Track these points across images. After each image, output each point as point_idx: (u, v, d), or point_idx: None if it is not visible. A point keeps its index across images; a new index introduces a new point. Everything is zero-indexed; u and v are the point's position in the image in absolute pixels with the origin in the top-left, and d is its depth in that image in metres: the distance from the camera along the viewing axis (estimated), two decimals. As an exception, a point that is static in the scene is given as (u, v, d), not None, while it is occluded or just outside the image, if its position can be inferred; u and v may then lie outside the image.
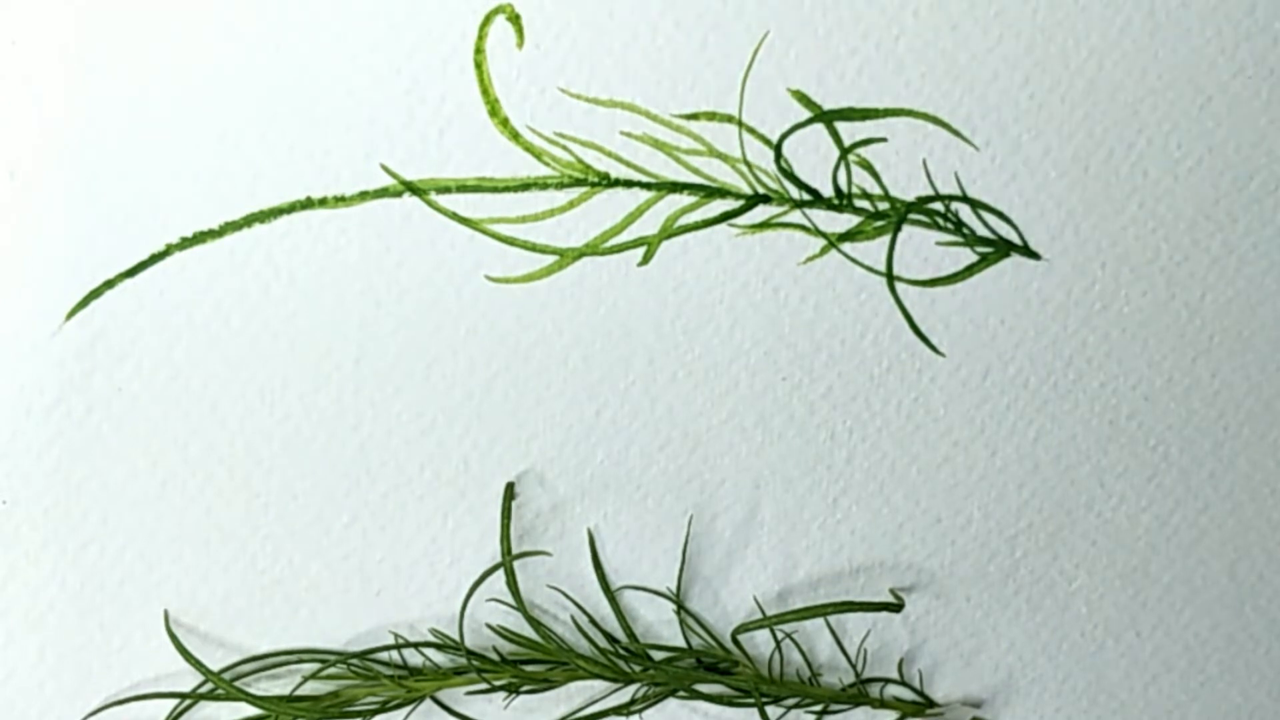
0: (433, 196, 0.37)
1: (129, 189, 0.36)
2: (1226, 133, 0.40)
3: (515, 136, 0.37)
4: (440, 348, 0.38)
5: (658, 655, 0.40)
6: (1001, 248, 0.39)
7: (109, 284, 0.36)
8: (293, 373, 0.38)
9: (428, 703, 0.40)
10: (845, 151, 0.37)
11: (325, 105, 0.37)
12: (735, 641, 0.41)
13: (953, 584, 0.42)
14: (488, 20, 0.36)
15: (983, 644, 0.42)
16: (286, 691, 0.39)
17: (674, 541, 0.40)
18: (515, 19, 0.36)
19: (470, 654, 0.39)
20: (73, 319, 0.36)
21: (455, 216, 0.37)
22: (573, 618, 0.40)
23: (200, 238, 0.36)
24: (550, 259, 0.38)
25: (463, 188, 0.37)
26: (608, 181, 0.37)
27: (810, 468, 0.40)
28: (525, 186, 0.37)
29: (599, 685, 0.40)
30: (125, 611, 0.38)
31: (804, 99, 0.37)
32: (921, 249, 0.39)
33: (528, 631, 0.39)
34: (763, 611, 0.41)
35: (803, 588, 0.41)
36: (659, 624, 0.41)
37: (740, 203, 0.38)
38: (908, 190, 0.39)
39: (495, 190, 0.37)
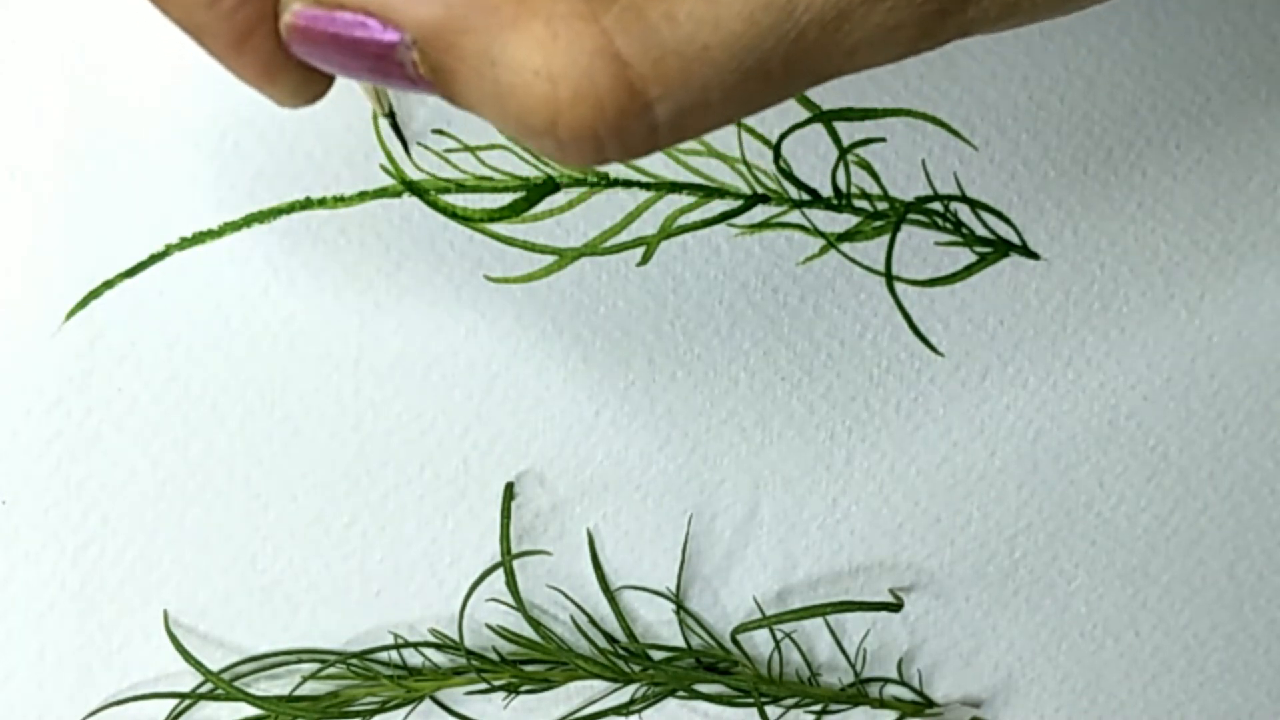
0: (433, 196, 0.37)
1: (129, 189, 0.36)
2: (1226, 133, 0.40)
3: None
4: (440, 348, 0.38)
5: (657, 655, 0.40)
6: (1000, 248, 0.39)
7: (109, 284, 0.36)
8: (293, 373, 0.38)
9: (427, 703, 0.40)
10: (844, 151, 0.37)
11: (325, 105, 0.37)
12: (735, 641, 0.41)
13: (952, 584, 0.42)
14: (487, 20, 0.36)
15: (982, 644, 0.42)
16: (286, 691, 0.39)
17: (674, 541, 0.40)
18: (515, 19, 0.36)
19: (470, 654, 0.39)
20: (73, 319, 0.36)
21: (455, 216, 0.37)
22: (572, 618, 0.40)
23: (200, 238, 0.36)
24: (550, 259, 0.38)
25: (462, 188, 0.37)
26: (607, 181, 0.37)
27: (810, 468, 0.40)
28: (525, 186, 0.37)
29: (599, 685, 0.40)
30: (125, 611, 0.38)
31: (803, 99, 0.37)
32: (921, 249, 0.39)
33: (527, 631, 0.39)
34: (762, 611, 0.41)
35: (802, 588, 0.41)
36: (659, 624, 0.41)
37: (739, 203, 0.38)
38: (907, 190, 0.39)
39: (495, 190, 0.37)
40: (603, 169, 0.37)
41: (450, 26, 0.20)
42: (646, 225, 0.38)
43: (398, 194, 0.37)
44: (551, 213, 0.37)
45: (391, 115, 0.35)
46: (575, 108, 0.20)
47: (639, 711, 0.40)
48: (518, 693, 0.39)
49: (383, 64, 0.21)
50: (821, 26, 0.20)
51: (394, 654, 0.39)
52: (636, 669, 0.40)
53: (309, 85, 0.23)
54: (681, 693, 0.40)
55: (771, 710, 0.41)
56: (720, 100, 0.20)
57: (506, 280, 0.38)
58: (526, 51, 0.19)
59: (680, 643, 0.40)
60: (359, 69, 0.21)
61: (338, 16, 0.20)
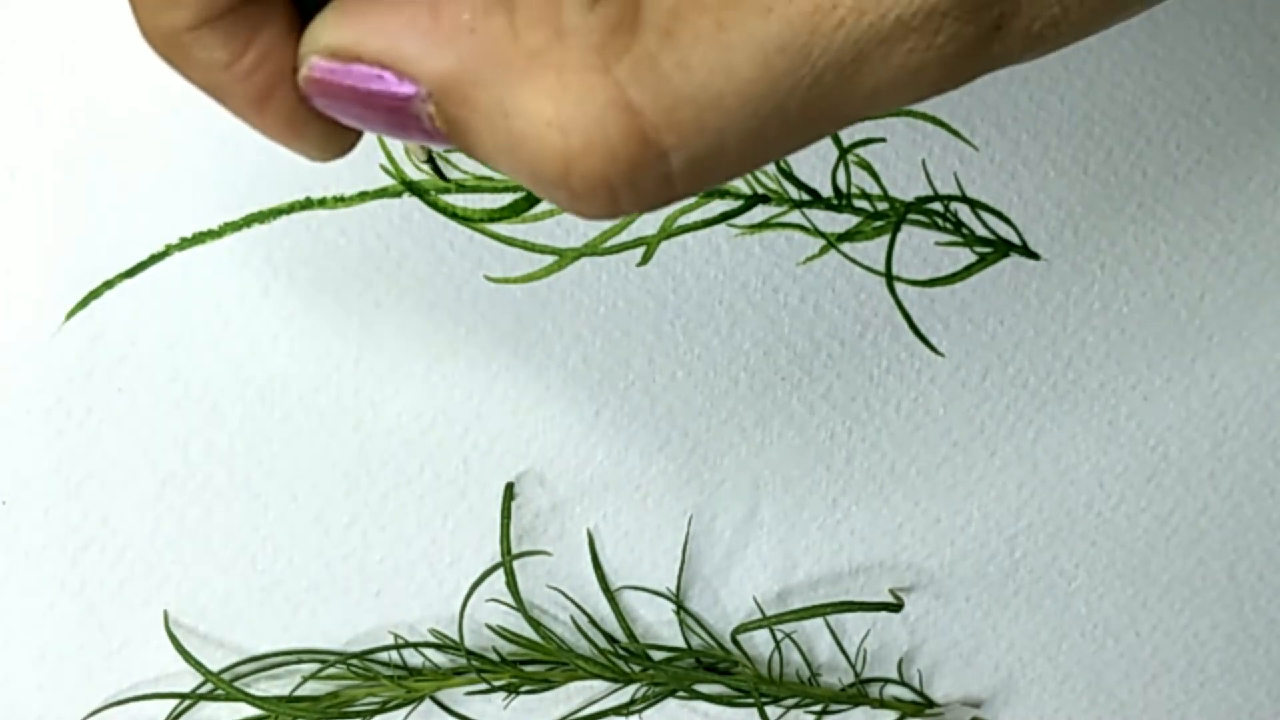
0: (433, 196, 0.37)
1: (129, 189, 0.36)
2: (1226, 133, 0.40)
3: (515, 136, 0.37)
4: (440, 348, 0.38)
5: (657, 655, 0.40)
6: (1001, 248, 0.39)
7: (109, 284, 0.36)
8: (293, 373, 0.38)
9: (427, 703, 0.40)
10: (844, 152, 0.37)
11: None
12: (735, 641, 0.41)
13: (952, 584, 0.42)
14: (487, 20, 0.36)
15: (982, 644, 0.42)
16: (286, 691, 0.39)
17: (674, 541, 0.40)
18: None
19: (470, 654, 0.39)
20: (73, 319, 0.36)
21: (455, 216, 0.37)
22: (572, 618, 0.40)
23: (200, 238, 0.36)
24: (550, 259, 0.38)
25: (462, 188, 0.37)
26: (607, 181, 0.37)
27: (810, 468, 0.40)
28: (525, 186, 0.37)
29: (599, 685, 0.40)
30: (125, 611, 0.38)
31: (804, 99, 0.37)
32: (921, 249, 0.39)
33: (528, 631, 0.39)
34: (762, 611, 0.41)
35: (802, 588, 0.41)
36: (659, 624, 0.41)
37: (739, 203, 0.38)
38: (907, 190, 0.39)
39: (495, 190, 0.37)
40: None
41: (463, 79, 0.20)
42: (646, 225, 0.38)
43: (398, 194, 0.37)
44: (552, 213, 0.37)
45: (431, 160, 0.35)
46: (587, 158, 0.20)
47: (639, 712, 0.40)
48: (518, 693, 0.39)
49: (400, 117, 0.21)
50: (839, 71, 0.20)
51: (394, 654, 0.39)
52: (636, 669, 0.40)
53: (336, 139, 0.23)
54: (681, 693, 0.40)
55: (771, 710, 0.41)
56: (737, 147, 0.20)
57: (506, 280, 0.38)
58: (538, 103, 0.19)
59: (680, 643, 0.40)
60: (377, 122, 0.21)
61: (354, 69, 0.21)
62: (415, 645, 0.39)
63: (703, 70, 0.19)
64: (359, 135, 0.24)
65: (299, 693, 0.39)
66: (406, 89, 0.20)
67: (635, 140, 0.20)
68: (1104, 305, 0.41)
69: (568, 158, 0.20)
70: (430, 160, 0.35)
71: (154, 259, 0.36)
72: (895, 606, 0.41)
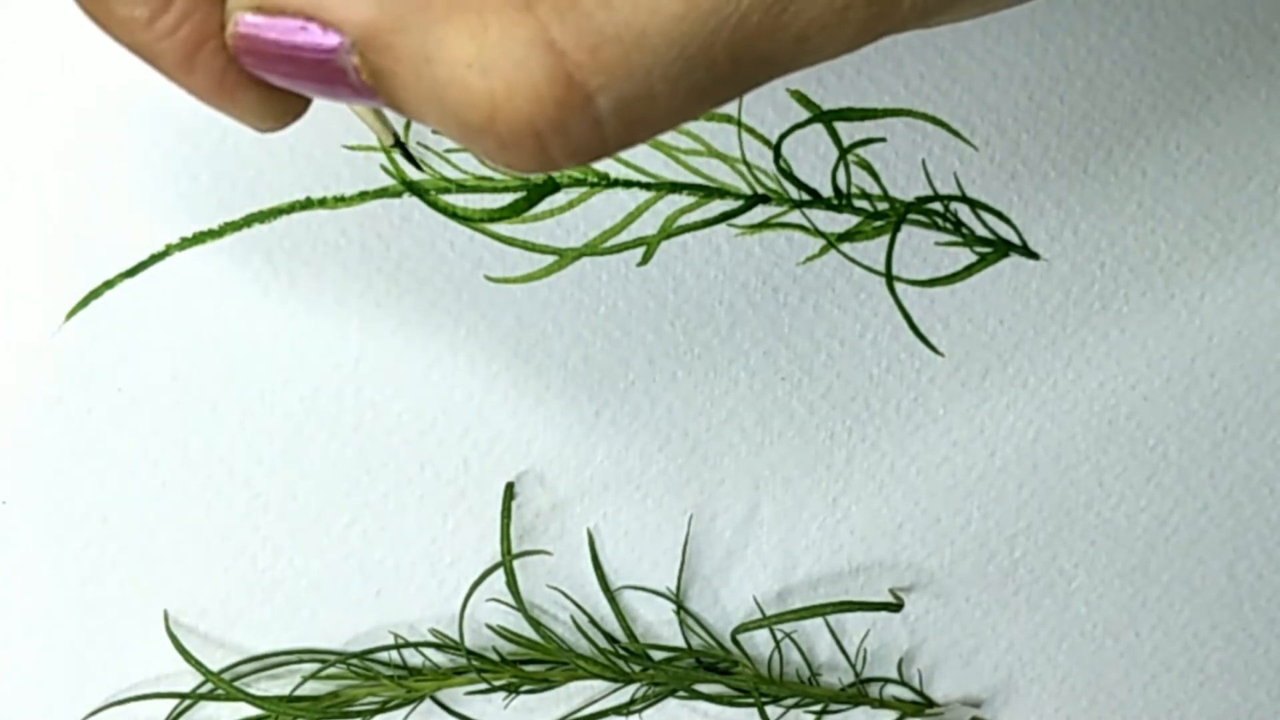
0: (433, 196, 0.37)
1: (129, 189, 0.36)
2: (1226, 133, 0.40)
3: (515, 137, 0.37)
4: (440, 348, 0.38)
5: (657, 655, 0.40)
6: (1000, 248, 0.39)
7: (109, 284, 0.36)
8: (293, 373, 0.38)
9: (428, 703, 0.40)
10: (844, 151, 0.37)
11: (324, 106, 0.37)
12: (735, 641, 0.41)
13: (952, 584, 0.42)
14: (487, 20, 0.36)
15: (982, 644, 0.42)
16: (286, 691, 0.39)
17: (674, 541, 0.40)
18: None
19: (470, 654, 0.39)
20: (73, 319, 0.36)
21: (455, 216, 0.37)
22: (573, 618, 0.40)
23: (200, 238, 0.36)
24: (550, 259, 0.38)
25: (463, 188, 0.37)
26: (607, 182, 0.37)
27: (810, 468, 0.40)
28: (525, 186, 0.37)
29: (599, 685, 0.40)
30: (125, 611, 0.38)
31: (803, 99, 0.37)
32: (921, 249, 0.39)
33: (528, 631, 0.39)
34: (762, 611, 0.41)
35: (802, 587, 0.41)
36: (659, 624, 0.41)
37: (739, 203, 0.38)
38: (907, 190, 0.39)
39: (495, 190, 0.37)
40: (601, 170, 0.37)
41: (385, 26, 0.19)
42: (646, 225, 0.38)
43: (398, 194, 0.37)
44: (551, 213, 0.37)
45: (401, 144, 0.35)
46: (511, 100, 0.19)
47: (639, 711, 0.40)
48: (518, 693, 0.39)
49: (327, 71, 0.20)
50: (765, 9, 0.19)
51: (394, 654, 0.39)
52: (636, 669, 0.40)
53: (277, 105, 0.23)
54: (681, 693, 0.40)
55: (771, 710, 0.41)
56: (666, 92, 0.19)
57: (506, 280, 0.38)
58: (459, 44, 0.19)
59: (680, 643, 0.40)
60: (306, 79, 0.21)
61: (278, 22, 0.20)
62: (415, 645, 0.39)
63: (626, 7, 0.19)
64: (304, 105, 0.23)
65: (299, 693, 0.39)
66: (331, 40, 0.20)
67: (560, 81, 0.19)
68: (1104, 305, 0.41)
69: (491, 101, 0.19)
70: (399, 144, 0.34)
71: (154, 259, 0.36)
72: (895, 606, 0.41)
